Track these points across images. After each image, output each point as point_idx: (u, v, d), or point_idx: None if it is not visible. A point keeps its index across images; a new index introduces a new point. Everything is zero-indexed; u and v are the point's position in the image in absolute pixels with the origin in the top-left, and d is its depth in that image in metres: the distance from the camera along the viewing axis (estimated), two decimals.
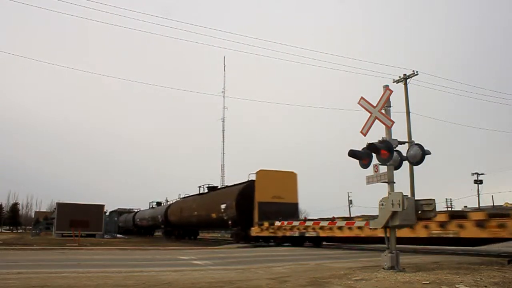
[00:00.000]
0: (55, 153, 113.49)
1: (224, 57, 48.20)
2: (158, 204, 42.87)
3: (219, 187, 30.82)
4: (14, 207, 69.10)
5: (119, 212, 53.71)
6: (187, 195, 34.26)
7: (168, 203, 38.53)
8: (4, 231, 59.24)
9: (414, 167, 9.94)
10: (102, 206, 35.45)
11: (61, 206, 34.61)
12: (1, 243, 19.60)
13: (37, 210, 72.35)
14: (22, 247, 16.60)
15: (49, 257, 11.66)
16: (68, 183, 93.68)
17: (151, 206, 44.22)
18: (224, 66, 47.41)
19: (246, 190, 22.46)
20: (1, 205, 68.46)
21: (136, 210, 51.89)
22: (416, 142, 8.03)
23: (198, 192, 31.45)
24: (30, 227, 48.29)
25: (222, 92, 45.74)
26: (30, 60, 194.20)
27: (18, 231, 61.36)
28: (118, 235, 41.01)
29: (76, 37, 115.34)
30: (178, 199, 35.77)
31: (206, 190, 30.26)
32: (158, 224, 38.77)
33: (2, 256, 11.95)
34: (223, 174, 44.53)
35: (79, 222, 30.23)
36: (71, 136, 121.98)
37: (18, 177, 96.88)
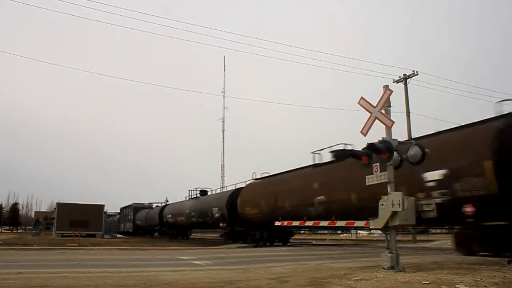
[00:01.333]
0: (55, 153, 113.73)
1: (224, 57, 48.18)
2: (203, 192, 30.77)
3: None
4: (14, 207, 69.12)
5: (135, 208, 44.41)
6: (266, 174, 21.65)
7: (233, 187, 25.49)
8: (4, 231, 59.28)
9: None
10: (102, 206, 35.48)
11: (61, 206, 34.63)
12: (1, 243, 19.61)
13: (37, 210, 72.53)
14: (22, 247, 16.61)
15: (49, 257, 11.66)
16: (68, 183, 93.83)
17: (192, 196, 31.66)
18: (224, 66, 47.36)
19: None
20: (1, 205, 68.49)
21: (158, 204, 40.92)
22: (416, 142, 8.04)
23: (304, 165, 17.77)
24: (30, 227, 48.22)
25: (222, 92, 45.65)
26: (30, 60, 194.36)
27: (18, 231, 61.39)
28: (118, 235, 41.01)
29: (76, 37, 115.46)
30: (255, 180, 22.61)
31: (327, 160, 15.59)
32: (213, 222, 26.08)
33: (2, 256, 11.96)
34: (223, 174, 44.46)
35: (79, 222, 30.26)
36: (71, 136, 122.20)
37: (18, 177, 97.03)
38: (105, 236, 33.71)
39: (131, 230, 44.63)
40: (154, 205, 42.46)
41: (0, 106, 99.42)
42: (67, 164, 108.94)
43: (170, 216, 33.98)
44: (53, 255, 12.74)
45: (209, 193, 30.00)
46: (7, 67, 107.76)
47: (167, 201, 40.46)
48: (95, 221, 32.97)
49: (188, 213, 30.17)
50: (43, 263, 9.44)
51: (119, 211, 52.13)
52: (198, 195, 30.73)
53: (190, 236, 36.13)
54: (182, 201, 33.13)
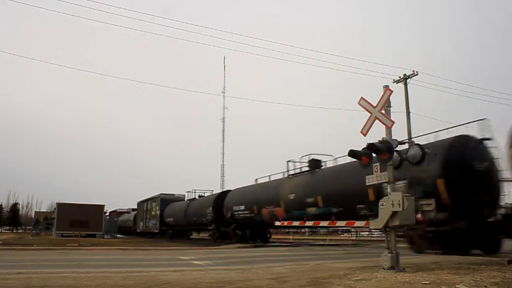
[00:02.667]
0: (55, 153, 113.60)
1: (224, 57, 47.97)
2: (316, 163, 18.11)
3: None
4: (14, 207, 69.08)
5: (163, 200, 33.99)
6: None
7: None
8: (4, 231, 59.25)
9: None
10: (102, 206, 35.51)
11: (61, 206, 34.67)
12: (1, 243, 19.61)
13: (37, 210, 72.30)
14: (22, 247, 16.61)
15: (49, 257, 11.66)
16: (68, 183, 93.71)
17: (293, 170, 19.21)
18: (224, 66, 47.20)
19: None
20: (1, 205, 68.47)
21: (202, 194, 30.22)
22: (416, 142, 8.06)
23: None
24: (30, 227, 48.15)
25: (222, 92, 45.49)
26: (30, 60, 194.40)
27: (18, 231, 61.38)
28: (118, 235, 40.91)
29: (76, 37, 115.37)
30: None
31: None
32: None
33: (2, 256, 11.96)
34: (223, 174, 44.36)
35: (79, 222, 30.30)
36: (71, 136, 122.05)
37: (18, 177, 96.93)
38: (105, 236, 33.70)
39: (156, 230, 34.88)
40: (200, 193, 31.40)
41: (0, 106, 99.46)
42: (67, 164, 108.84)
43: (242, 207, 21.95)
44: (53, 255, 12.74)
45: (323, 164, 18.04)
46: (7, 67, 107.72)
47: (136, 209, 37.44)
48: (95, 221, 32.99)
49: (294, 200, 17.89)
50: (43, 263, 9.45)
51: (133, 208, 45.72)
52: (307, 169, 18.17)
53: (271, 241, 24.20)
54: (272, 181, 20.93)
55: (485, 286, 5.50)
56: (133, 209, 46.39)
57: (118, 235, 40.27)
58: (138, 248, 17.44)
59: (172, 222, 32.39)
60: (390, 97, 8.01)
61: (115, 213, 53.30)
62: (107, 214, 50.73)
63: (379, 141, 7.71)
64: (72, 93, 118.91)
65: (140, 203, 41.07)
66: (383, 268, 7.25)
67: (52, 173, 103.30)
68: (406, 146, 8.19)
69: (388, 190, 7.59)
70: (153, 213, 36.01)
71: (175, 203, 33.20)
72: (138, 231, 40.85)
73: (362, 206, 13.70)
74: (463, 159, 11.56)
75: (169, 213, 33.02)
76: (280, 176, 20.18)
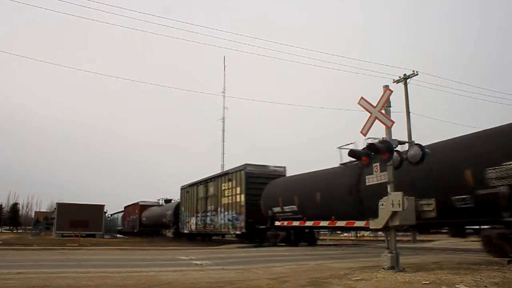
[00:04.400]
0: (55, 152, 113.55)
1: (224, 57, 47.73)
2: None
3: None
4: (14, 207, 69.05)
5: (250, 176, 19.82)
6: None
7: None
8: (4, 231, 59.27)
9: None
10: (102, 206, 35.53)
11: (61, 206, 34.69)
12: (1, 243, 19.61)
13: (37, 210, 72.24)
14: (22, 247, 16.61)
15: (49, 257, 11.66)
16: (68, 183, 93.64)
17: None
18: (224, 66, 47.01)
19: None
20: (1, 205, 68.46)
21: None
22: (416, 142, 8.05)
23: None
24: (30, 227, 48.12)
25: (222, 92, 45.31)
26: (30, 60, 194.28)
27: (18, 231, 61.38)
28: (118, 235, 40.86)
29: (76, 37, 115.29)
30: None
31: None
32: None
33: (2, 256, 11.96)
34: None
35: (79, 222, 30.31)
36: (71, 136, 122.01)
37: (18, 177, 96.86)
38: (105, 236, 33.71)
39: (235, 231, 20.77)
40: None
41: (0, 106, 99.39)
42: (67, 164, 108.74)
43: None
44: (53, 255, 12.73)
45: None
46: (7, 67, 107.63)
47: (170, 200, 35.37)
48: (95, 221, 33.01)
49: None
50: (43, 263, 9.44)
51: (166, 199, 36.91)
52: None
53: None
54: None
55: (485, 286, 5.50)
56: (166, 201, 36.69)
57: (118, 235, 40.25)
58: (138, 248, 17.45)
59: (290, 215, 16.98)
60: (390, 97, 8.01)
61: (137, 208, 41.63)
62: (119, 212, 49.69)
63: (379, 141, 7.71)
64: (72, 93, 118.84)
65: (190, 188, 26.10)
66: (383, 268, 7.25)
67: (52, 173, 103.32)
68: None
69: (388, 190, 7.59)
70: (224, 201, 21.38)
71: (280, 180, 18.98)
72: (186, 231, 27.35)
73: None
74: None
75: (277, 197, 17.63)
76: None
